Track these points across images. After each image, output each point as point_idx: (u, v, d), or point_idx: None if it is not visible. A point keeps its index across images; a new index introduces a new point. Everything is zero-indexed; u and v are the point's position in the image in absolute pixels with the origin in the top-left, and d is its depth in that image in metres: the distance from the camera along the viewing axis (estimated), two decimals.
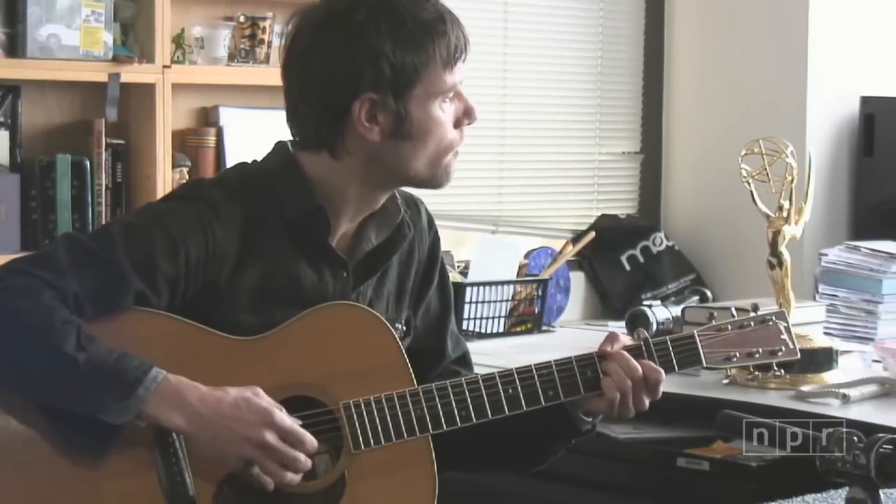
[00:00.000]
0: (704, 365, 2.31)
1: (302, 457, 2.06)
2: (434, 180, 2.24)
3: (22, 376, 2.00)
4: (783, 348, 2.34)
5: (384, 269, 2.28)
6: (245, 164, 2.26)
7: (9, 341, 1.98)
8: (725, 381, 2.14)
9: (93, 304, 2.03)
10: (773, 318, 2.36)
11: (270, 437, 2.03)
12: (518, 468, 2.45)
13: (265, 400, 2.05)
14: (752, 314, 2.35)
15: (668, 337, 2.29)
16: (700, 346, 2.29)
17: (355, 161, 2.19)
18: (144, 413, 1.99)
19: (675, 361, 2.27)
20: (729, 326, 2.32)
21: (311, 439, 2.07)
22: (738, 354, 2.32)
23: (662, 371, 2.24)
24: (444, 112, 2.20)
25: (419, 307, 2.36)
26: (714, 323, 2.33)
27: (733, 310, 2.38)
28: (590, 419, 2.29)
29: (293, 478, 2.06)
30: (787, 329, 2.36)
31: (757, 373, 2.32)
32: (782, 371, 2.35)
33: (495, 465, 2.44)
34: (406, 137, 2.17)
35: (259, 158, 2.26)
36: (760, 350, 2.33)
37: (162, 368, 2.02)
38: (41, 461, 2.01)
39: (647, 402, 2.24)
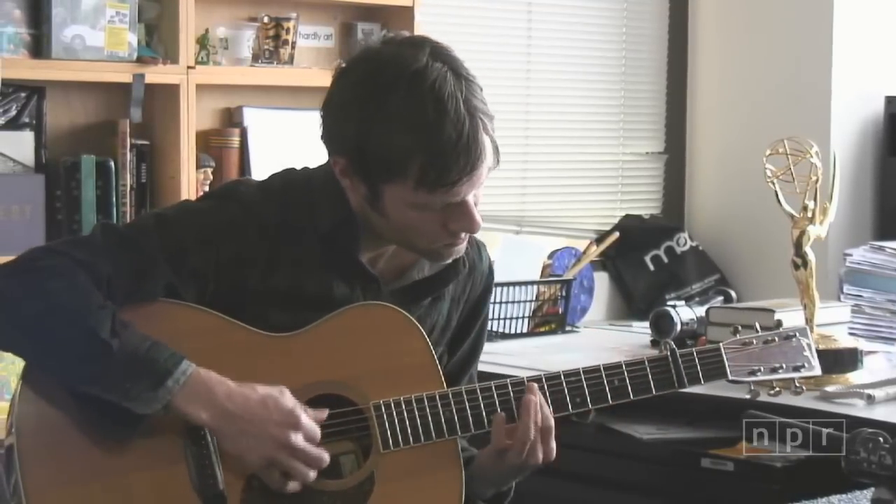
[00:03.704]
0: (729, 378, 2.32)
1: (325, 455, 2.06)
2: (424, 257, 2.20)
3: (54, 357, 1.99)
4: (806, 364, 2.36)
5: (435, 300, 2.25)
6: (292, 169, 2.22)
7: (44, 321, 1.98)
8: (748, 395, 2.17)
9: (124, 289, 2.03)
10: (797, 334, 2.38)
11: (296, 437, 2.03)
12: None
13: (291, 400, 2.05)
14: (777, 330, 2.37)
15: (694, 349, 2.30)
16: (726, 360, 2.30)
17: (352, 198, 2.14)
18: (172, 405, 1.98)
19: (700, 374, 2.28)
20: (754, 341, 2.34)
21: (319, 434, 2.06)
22: (762, 369, 2.33)
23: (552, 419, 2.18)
24: (424, 219, 2.08)
25: (453, 347, 2.33)
26: (739, 337, 2.34)
27: (758, 325, 2.39)
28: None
29: (314, 475, 2.06)
30: (810, 345, 2.39)
31: (778, 388, 2.33)
32: (803, 387, 2.37)
33: None
34: (381, 214, 2.11)
35: (311, 165, 2.22)
36: (784, 365, 2.35)
37: (193, 361, 2.02)
38: (73, 448, 2.01)
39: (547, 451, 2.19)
